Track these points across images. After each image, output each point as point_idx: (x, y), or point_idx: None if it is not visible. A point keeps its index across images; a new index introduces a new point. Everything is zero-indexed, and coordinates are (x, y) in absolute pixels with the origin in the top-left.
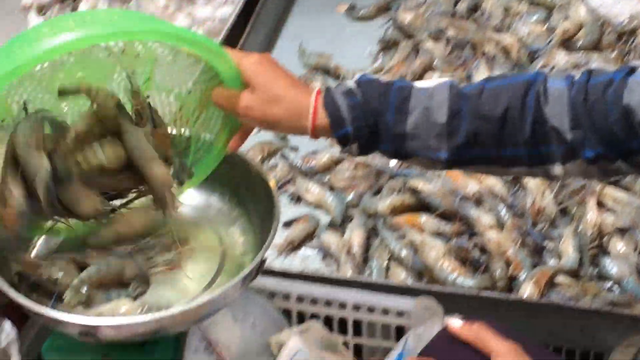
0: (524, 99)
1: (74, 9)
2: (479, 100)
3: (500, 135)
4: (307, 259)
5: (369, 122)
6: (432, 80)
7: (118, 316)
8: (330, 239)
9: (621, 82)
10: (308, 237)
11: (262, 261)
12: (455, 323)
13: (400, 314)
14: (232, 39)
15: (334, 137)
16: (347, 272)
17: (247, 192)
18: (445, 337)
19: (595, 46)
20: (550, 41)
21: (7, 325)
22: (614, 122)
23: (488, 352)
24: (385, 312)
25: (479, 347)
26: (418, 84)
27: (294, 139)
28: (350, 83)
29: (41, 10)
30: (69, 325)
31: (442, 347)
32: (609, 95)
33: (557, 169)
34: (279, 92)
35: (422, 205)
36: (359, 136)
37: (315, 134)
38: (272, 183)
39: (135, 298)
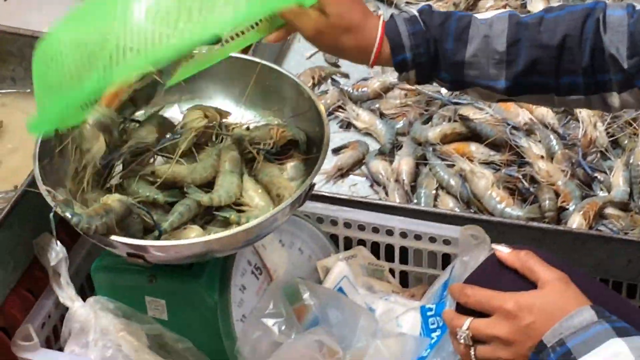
0: (583, 28)
1: None
2: (538, 29)
3: (558, 63)
4: (356, 186)
5: (429, 50)
6: (491, 12)
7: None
8: (379, 166)
9: None
10: (357, 164)
11: (311, 186)
12: (503, 250)
13: (447, 242)
14: None
15: (393, 63)
16: (395, 199)
17: (297, 116)
18: (493, 263)
19: None
20: None
21: (57, 244)
22: None
23: (535, 280)
24: (432, 239)
25: (525, 274)
26: (478, 15)
27: (345, 65)
28: (413, 11)
29: None
30: (118, 247)
31: (488, 273)
32: None
33: (615, 98)
34: (352, 23)
35: (472, 135)
36: (417, 63)
37: (377, 62)
38: (322, 107)
39: (202, 226)
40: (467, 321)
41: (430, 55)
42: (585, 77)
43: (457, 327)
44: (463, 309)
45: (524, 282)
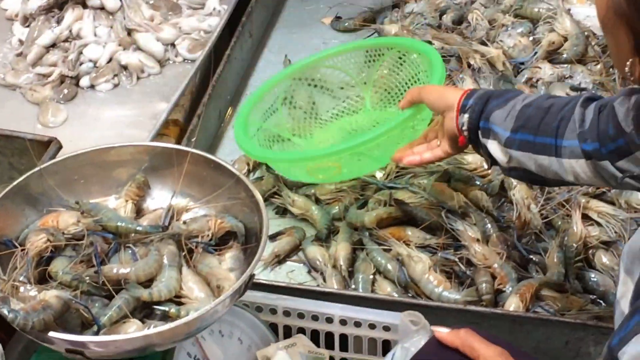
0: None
1: (59, 20)
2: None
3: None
4: (293, 272)
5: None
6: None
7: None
8: (316, 252)
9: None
10: (294, 250)
11: (251, 277)
12: (442, 330)
13: (386, 328)
14: (218, 50)
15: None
16: (333, 285)
17: (234, 205)
18: (433, 345)
19: (580, 59)
20: (535, 53)
21: None
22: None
23: (475, 357)
24: (372, 326)
25: (466, 352)
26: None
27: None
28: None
29: (26, 21)
30: (56, 343)
31: (431, 355)
32: None
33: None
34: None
35: (408, 218)
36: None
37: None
38: (259, 197)
39: (142, 320)
40: None
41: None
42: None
43: None
44: None
45: None
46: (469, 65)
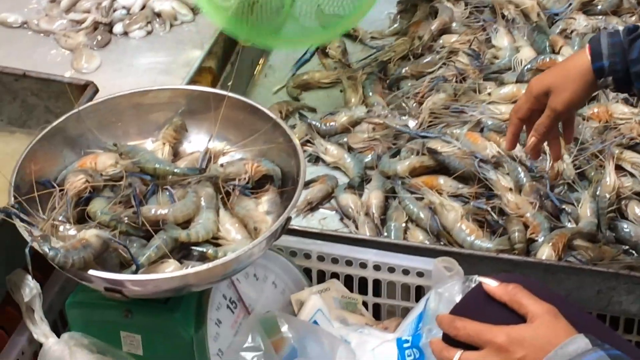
0: None
1: None
2: None
3: None
4: (326, 220)
5: (624, 60)
6: None
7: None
8: (348, 199)
9: None
10: (326, 198)
11: (287, 220)
12: (491, 283)
13: (420, 274)
14: None
15: (592, 69)
16: (365, 233)
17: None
18: (478, 295)
19: (615, 10)
20: (570, 4)
21: (30, 280)
22: None
23: (524, 313)
24: (406, 272)
25: (514, 307)
26: None
27: (311, 100)
28: (618, 27)
29: None
30: (95, 281)
31: (475, 306)
32: None
33: None
34: None
35: (440, 167)
36: (613, 71)
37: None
38: (297, 142)
39: (179, 260)
40: (458, 354)
41: (624, 66)
42: None
43: (447, 359)
44: (451, 341)
45: (512, 315)
46: (503, 16)
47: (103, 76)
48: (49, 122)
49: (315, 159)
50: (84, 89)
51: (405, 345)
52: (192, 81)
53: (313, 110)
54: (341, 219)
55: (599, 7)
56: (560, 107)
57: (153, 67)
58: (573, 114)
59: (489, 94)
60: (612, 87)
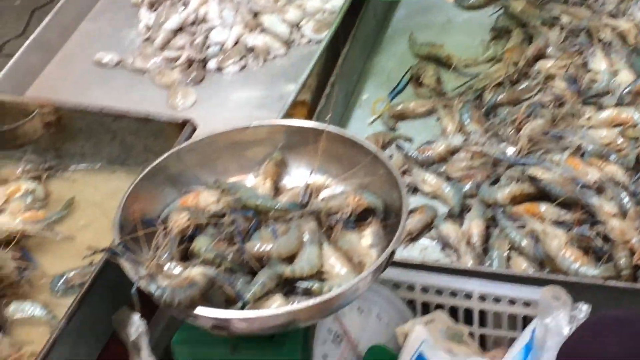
0: None
1: (185, 4)
2: None
3: None
4: (426, 250)
5: None
6: None
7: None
8: (449, 229)
9: None
10: (426, 228)
11: (392, 253)
12: None
13: (526, 303)
14: (342, 30)
15: None
16: (468, 262)
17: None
18: (594, 324)
19: None
20: None
21: (137, 318)
22: None
23: None
24: (512, 302)
25: None
26: None
27: (407, 129)
28: None
29: (152, 6)
30: (202, 319)
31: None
32: None
33: None
34: None
35: (541, 194)
36: None
37: None
38: (397, 173)
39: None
40: None
41: None
42: None
43: None
44: None
45: (633, 345)
46: (600, 40)
47: (199, 112)
48: (148, 161)
49: (414, 189)
50: (182, 127)
51: None
52: (287, 115)
53: (409, 140)
54: (442, 249)
55: None
56: None
57: (248, 101)
58: None
59: (588, 118)
60: None
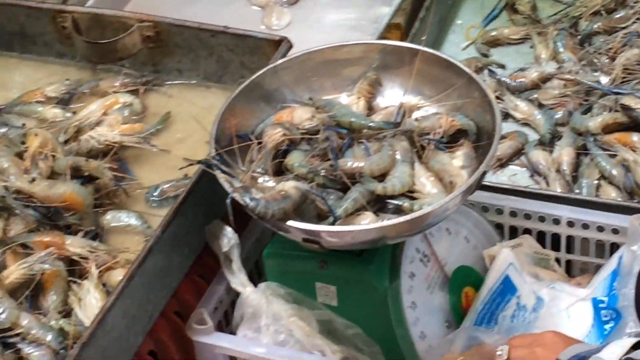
0: None
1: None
2: None
3: None
4: (515, 176)
5: None
6: None
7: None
8: (539, 156)
9: None
10: (516, 154)
11: (483, 174)
12: None
13: (615, 231)
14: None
15: None
16: (556, 189)
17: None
18: None
19: None
20: None
21: (229, 230)
22: None
23: None
24: (600, 229)
25: None
26: None
27: (500, 56)
28: None
29: None
30: (294, 232)
31: None
32: None
33: None
34: None
35: (634, 124)
36: None
37: None
38: (492, 97)
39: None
40: None
41: None
42: None
43: None
44: None
45: None
46: None
47: (293, 33)
48: (244, 77)
49: (505, 116)
50: (279, 44)
51: (601, 305)
52: (381, 37)
53: (502, 66)
54: (531, 176)
55: None
56: None
57: (342, 23)
58: None
59: None
60: None
